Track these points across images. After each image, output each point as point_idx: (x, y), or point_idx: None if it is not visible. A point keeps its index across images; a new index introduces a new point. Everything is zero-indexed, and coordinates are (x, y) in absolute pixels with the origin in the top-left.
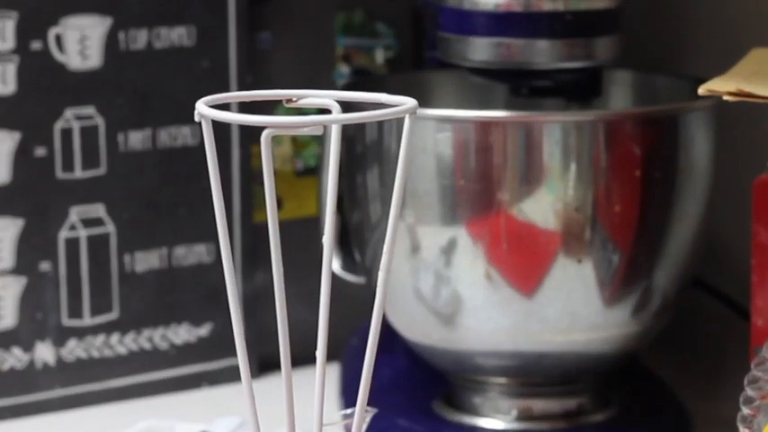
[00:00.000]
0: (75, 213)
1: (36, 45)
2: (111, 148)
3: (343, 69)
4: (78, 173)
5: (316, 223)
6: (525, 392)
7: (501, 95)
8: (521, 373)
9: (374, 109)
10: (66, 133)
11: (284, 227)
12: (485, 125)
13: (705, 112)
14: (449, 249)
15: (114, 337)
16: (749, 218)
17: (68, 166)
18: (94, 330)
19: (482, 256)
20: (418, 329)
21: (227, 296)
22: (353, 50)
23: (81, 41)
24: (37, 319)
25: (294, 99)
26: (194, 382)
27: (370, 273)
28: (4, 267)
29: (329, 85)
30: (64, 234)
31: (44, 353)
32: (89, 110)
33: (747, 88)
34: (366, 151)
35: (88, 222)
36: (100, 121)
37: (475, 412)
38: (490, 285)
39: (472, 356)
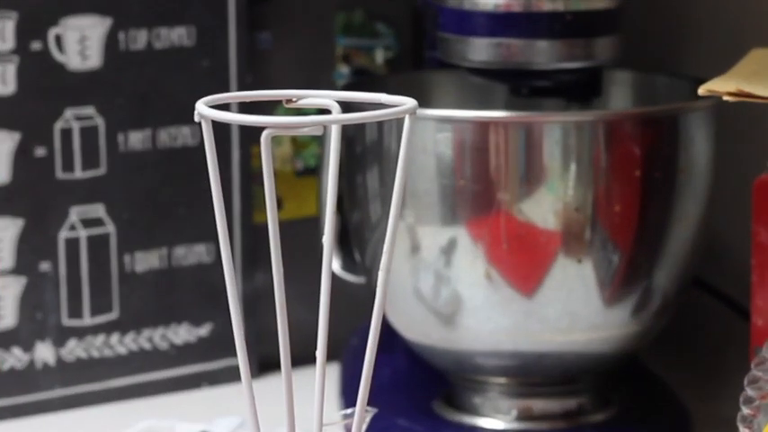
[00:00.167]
0: (75, 213)
1: (36, 45)
2: (111, 148)
3: (343, 69)
4: (78, 173)
5: (316, 223)
6: (525, 392)
7: (501, 95)
8: (521, 373)
9: (374, 109)
10: (66, 133)
11: (284, 227)
12: (485, 125)
13: (705, 112)
14: (449, 249)
15: (114, 337)
16: (749, 218)
17: (68, 166)
18: (94, 330)
19: (482, 256)
20: (418, 329)
21: (227, 296)
22: (353, 50)
23: (81, 41)
24: (37, 319)
25: (294, 99)
26: (194, 382)
27: (370, 273)
28: (4, 267)
29: (329, 85)
30: (64, 234)
31: (44, 353)
32: (89, 110)
33: (747, 88)
34: (366, 151)
35: (88, 222)
36: (100, 121)
37: (475, 412)
38: (490, 285)
39: (472, 356)
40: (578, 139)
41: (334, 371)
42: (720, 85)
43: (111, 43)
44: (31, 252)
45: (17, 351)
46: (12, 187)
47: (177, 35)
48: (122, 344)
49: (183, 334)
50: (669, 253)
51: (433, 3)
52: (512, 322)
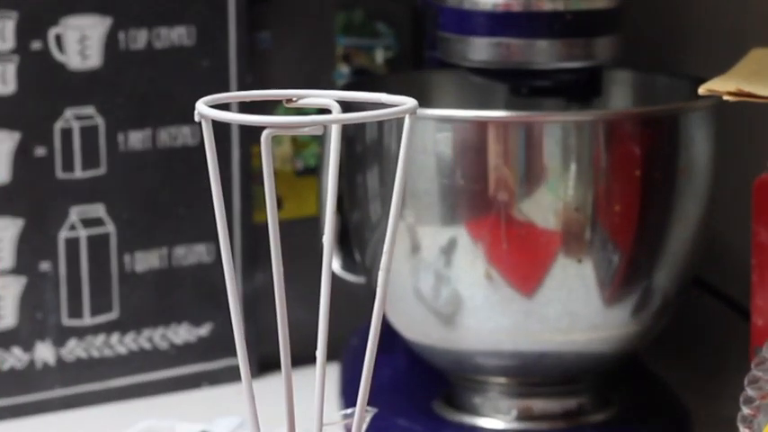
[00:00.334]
0: (75, 213)
1: (36, 45)
2: (111, 148)
3: (343, 69)
4: (78, 173)
5: (316, 223)
6: (525, 392)
7: (501, 95)
8: (521, 373)
9: (374, 109)
10: (66, 133)
11: (284, 227)
12: (485, 125)
13: (705, 112)
14: (449, 249)
15: (114, 337)
16: (749, 218)
17: (68, 166)
18: (94, 330)
19: (482, 256)
20: (418, 329)
21: (227, 296)
22: (353, 50)
23: (81, 41)
24: (37, 319)
25: (294, 99)
26: (194, 382)
27: (370, 273)
28: (4, 267)
29: (329, 85)
30: (64, 234)
31: (44, 353)
32: (89, 110)
33: (747, 88)
34: (366, 151)
35: (88, 222)
36: (100, 121)
37: (475, 412)
38: (490, 285)
39: (472, 356)
40: (578, 139)
41: (334, 371)
42: (720, 85)
43: (111, 43)
44: (31, 252)
45: (17, 351)
46: (12, 187)
47: (177, 35)
48: (122, 344)
49: (182, 334)
50: (669, 253)
51: (433, 2)
52: (512, 322)
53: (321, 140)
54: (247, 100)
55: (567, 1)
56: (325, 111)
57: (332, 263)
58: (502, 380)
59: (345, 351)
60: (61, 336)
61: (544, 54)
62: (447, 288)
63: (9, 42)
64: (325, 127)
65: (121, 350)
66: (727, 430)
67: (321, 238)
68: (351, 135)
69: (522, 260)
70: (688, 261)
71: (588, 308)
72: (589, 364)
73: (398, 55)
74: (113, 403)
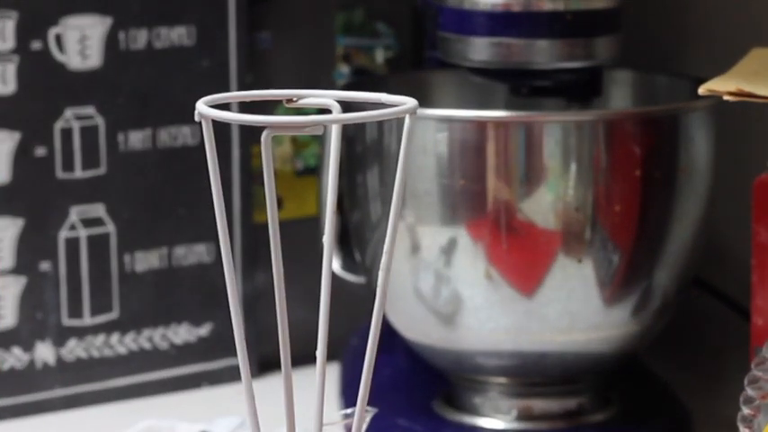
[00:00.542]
0: (75, 213)
1: (36, 45)
2: (111, 148)
3: (343, 69)
4: (78, 173)
5: (316, 223)
6: (525, 392)
7: (501, 95)
8: (521, 373)
9: (374, 109)
10: (66, 133)
11: (284, 227)
12: (485, 125)
13: (705, 112)
14: (449, 249)
15: (114, 337)
16: (749, 218)
17: (68, 165)
18: (94, 330)
19: (482, 256)
20: (418, 329)
21: (227, 296)
22: (353, 50)
23: (81, 41)
24: (37, 318)
25: (294, 99)
26: (194, 382)
27: (370, 273)
28: (4, 267)
29: (329, 85)
30: (64, 234)
31: (44, 353)
32: (89, 110)
33: (747, 88)
34: (366, 151)
35: (88, 222)
36: (100, 121)
37: (475, 412)
38: (490, 285)
39: (472, 356)
40: (578, 139)
41: (334, 371)
42: (720, 85)
43: (111, 43)
44: (31, 252)
45: (17, 351)
46: (12, 187)
47: (177, 35)
48: (122, 344)
49: (182, 334)
50: (669, 253)
51: (433, 2)
52: (512, 322)
53: (321, 140)
54: (247, 100)
55: (567, 1)
56: (326, 111)
57: (332, 263)
58: (502, 380)
59: (345, 351)
60: (61, 336)
61: (544, 54)
62: (447, 288)
63: (9, 42)
64: (326, 127)
65: (121, 350)
66: (727, 430)
67: (321, 238)
68: (351, 135)
69: (522, 260)
70: (688, 261)
71: (588, 308)
72: (589, 364)
73: (398, 55)
74: (113, 403)
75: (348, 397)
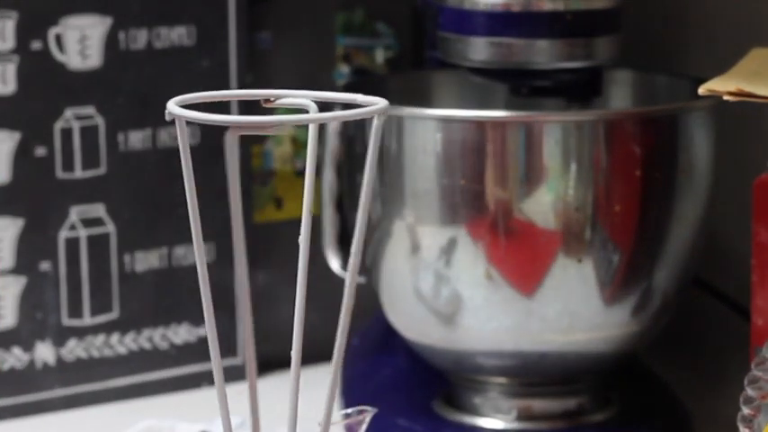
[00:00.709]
0: (75, 213)
1: (36, 45)
2: (111, 148)
3: (344, 69)
4: (78, 173)
5: (316, 223)
6: (525, 392)
7: (501, 95)
8: (521, 373)
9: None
10: (66, 133)
11: (284, 227)
12: (485, 125)
13: (705, 112)
14: (449, 249)
15: (114, 337)
16: (749, 218)
17: (68, 165)
18: (94, 330)
19: (482, 256)
20: (418, 329)
21: (227, 296)
22: (353, 50)
23: (81, 41)
24: (37, 318)
25: (272, 99)
26: (194, 382)
27: (371, 273)
28: (4, 267)
29: (329, 84)
30: (64, 234)
31: (44, 353)
32: (89, 110)
33: (747, 88)
34: (366, 151)
35: (88, 222)
36: (100, 121)
37: (475, 412)
38: (490, 285)
39: (472, 356)
40: (578, 139)
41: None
42: (720, 85)
43: (111, 43)
44: (31, 252)
45: (17, 351)
46: (12, 187)
47: (177, 35)
48: (122, 344)
49: (182, 334)
50: (669, 253)
51: (434, 2)
52: (512, 322)
53: (321, 140)
54: (217, 100)
55: (567, 1)
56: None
57: (306, 265)
58: (502, 380)
59: (345, 351)
60: (61, 336)
61: (544, 54)
62: (447, 288)
63: (9, 42)
64: (325, 125)
65: (121, 350)
66: (727, 430)
67: (320, 238)
68: (351, 135)
69: (522, 260)
70: (688, 261)
71: (588, 308)
72: (589, 364)
73: (398, 55)
74: (113, 403)
75: (348, 397)
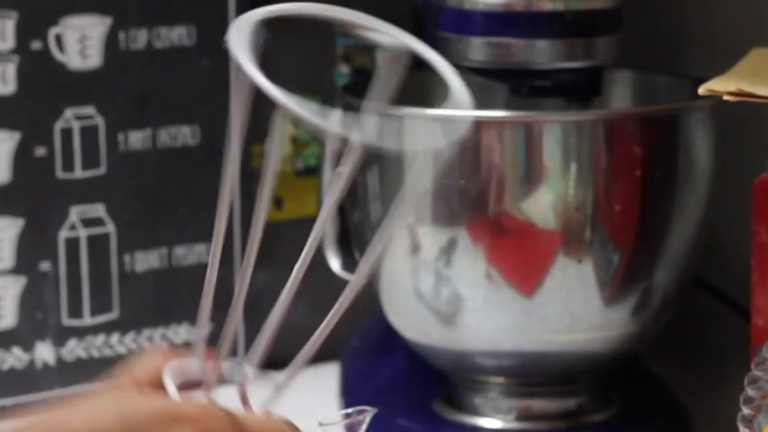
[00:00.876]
0: (75, 213)
1: (36, 45)
2: (111, 148)
3: (343, 69)
4: (78, 173)
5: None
6: (525, 392)
7: (501, 95)
8: (521, 373)
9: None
10: (66, 133)
11: (284, 226)
12: (485, 125)
13: (705, 112)
14: (449, 249)
15: (114, 337)
16: (749, 218)
17: (68, 165)
18: (94, 330)
19: (482, 256)
20: (418, 329)
21: (226, 296)
22: (353, 50)
23: (81, 41)
24: (37, 318)
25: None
26: None
27: (371, 273)
28: (4, 267)
29: (329, 85)
30: (64, 234)
31: (44, 353)
32: (89, 110)
33: (747, 88)
34: (367, 151)
35: (88, 222)
36: (100, 121)
37: (475, 412)
38: (490, 285)
39: (472, 356)
40: (578, 139)
41: (334, 371)
42: (720, 85)
43: (111, 43)
44: (31, 252)
45: (17, 351)
46: (12, 187)
47: (177, 35)
48: (122, 344)
49: (182, 334)
50: (669, 253)
51: (433, 2)
52: (512, 322)
53: (321, 140)
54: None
55: (567, 1)
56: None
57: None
58: (502, 380)
59: (345, 351)
60: (61, 336)
61: (544, 54)
62: (447, 288)
63: (9, 42)
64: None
65: (121, 350)
66: (727, 430)
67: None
68: None
69: (522, 260)
70: (688, 261)
71: (588, 308)
72: (589, 364)
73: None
74: None
75: (348, 397)
